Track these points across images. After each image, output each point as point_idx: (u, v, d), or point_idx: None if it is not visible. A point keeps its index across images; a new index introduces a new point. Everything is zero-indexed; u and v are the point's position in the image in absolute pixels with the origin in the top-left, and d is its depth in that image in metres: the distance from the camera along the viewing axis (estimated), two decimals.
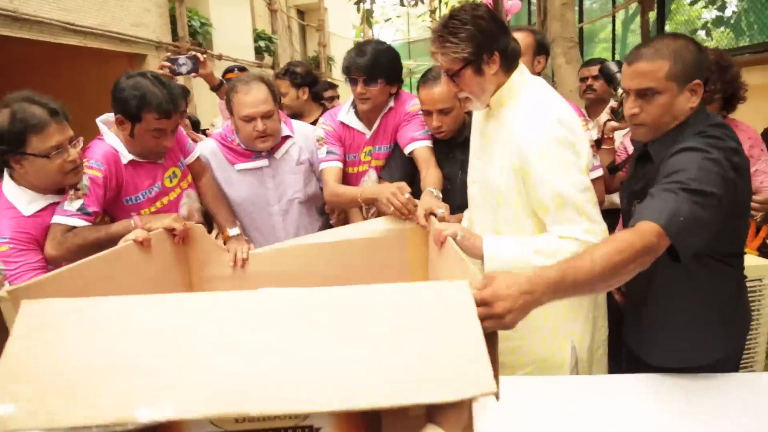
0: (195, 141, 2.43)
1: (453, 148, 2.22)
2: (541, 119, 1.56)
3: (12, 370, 0.81)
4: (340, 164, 2.30)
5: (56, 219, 1.76)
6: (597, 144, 2.36)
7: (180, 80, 2.03)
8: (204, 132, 4.10)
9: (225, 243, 2.09)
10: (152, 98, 1.83)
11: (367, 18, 8.95)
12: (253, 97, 2.09)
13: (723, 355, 1.52)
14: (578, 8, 8.14)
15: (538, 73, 2.31)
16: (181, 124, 2.22)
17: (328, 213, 2.53)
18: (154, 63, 6.26)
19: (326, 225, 2.49)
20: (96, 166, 1.85)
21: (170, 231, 1.83)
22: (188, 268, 1.95)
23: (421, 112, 2.19)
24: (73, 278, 1.37)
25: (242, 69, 3.57)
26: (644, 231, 1.20)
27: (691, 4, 6.17)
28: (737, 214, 1.42)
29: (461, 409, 0.87)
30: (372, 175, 2.39)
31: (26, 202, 1.75)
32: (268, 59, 10.79)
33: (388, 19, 18.58)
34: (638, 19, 6.12)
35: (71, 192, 1.79)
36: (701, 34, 5.69)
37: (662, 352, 1.54)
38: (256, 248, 2.07)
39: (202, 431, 0.87)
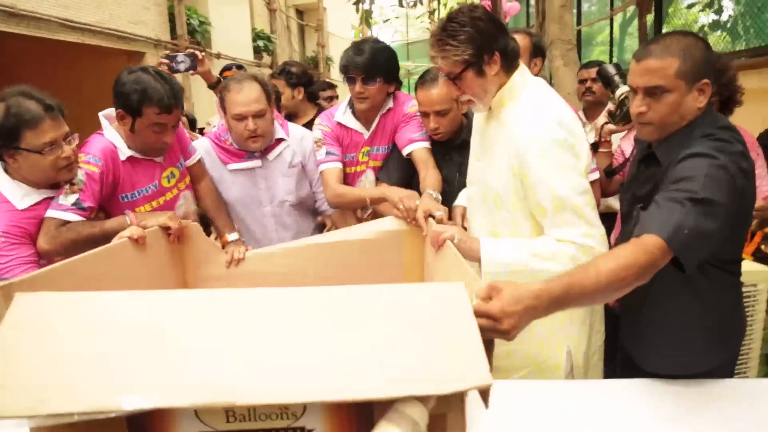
0: (191, 139, 2.42)
1: (450, 150, 2.21)
2: (540, 121, 1.55)
3: None
4: (340, 165, 2.29)
5: (50, 213, 1.76)
6: (594, 147, 2.36)
7: (178, 78, 2.03)
8: (201, 131, 4.10)
9: (223, 248, 2.09)
10: (153, 93, 1.83)
11: (366, 19, 8.94)
12: (245, 96, 2.08)
13: (719, 362, 1.51)
14: (576, 11, 8.16)
15: (535, 76, 2.31)
16: None
17: (323, 223, 2.49)
18: (153, 61, 6.25)
19: (320, 226, 2.48)
20: (93, 161, 1.84)
21: (165, 229, 1.83)
22: (183, 266, 1.95)
23: (419, 114, 2.19)
24: (68, 274, 1.37)
25: (240, 67, 3.57)
26: (648, 246, 1.20)
27: (689, 7, 6.20)
28: (742, 221, 1.40)
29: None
30: (369, 175, 2.38)
31: (20, 196, 1.74)
32: (266, 59, 10.79)
33: (386, 20, 18.59)
34: (636, 22, 6.13)
35: (67, 186, 1.79)
36: None
37: (659, 357, 1.53)
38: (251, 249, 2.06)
39: (193, 430, 0.86)
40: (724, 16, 5.57)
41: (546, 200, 1.53)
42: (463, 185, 2.00)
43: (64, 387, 0.77)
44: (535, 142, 1.53)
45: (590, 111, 3.12)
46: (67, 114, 1.79)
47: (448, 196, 2.09)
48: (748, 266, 2.16)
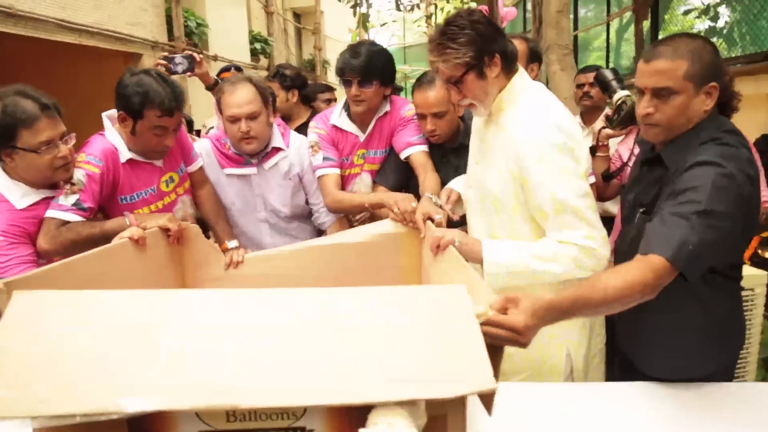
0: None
1: (447, 153, 2.22)
2: (539, 125, 1.55)
3: None
4: (338, 171, 2.29)
5: (50, 213, 1.75)
6: (591, 151, 2.36)
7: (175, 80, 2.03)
8: (197, 132, 4.09)
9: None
10: (155, 95, 1.82)
11: (363, 22, 8.94)
12: (238, 98, 2.07)
13: (718, 366, 1.51)
14: (573, 16, 8.21)
15: None
16: None
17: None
18: (150, 62, 6.23)
19: (316, 232, 2.47)
20: (94, 161, 1.83)
21: (165, 231, 1.82)
22: (182, 268, 1.95)
23: (416, 117, 2.19)
24: (67, 273, 1.37)
25: (238, 68, 3.57)
26: (655, 265, 1.22)
27: (685, 14, 6.24)
28: (748, 228, 1.39)
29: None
30: (365, 178, 2.37)
31: (19, 195, 1.74)
32: (263, 61, 10.78)
33: (384, 24, 18.61)
34: (632, 28, 6.17)
35: (67, 187, 1.78)
36: None
37: (658, 360, 1.53)
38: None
39: (193, 429, 0.86)
40: (720, 23, 5.61)
41: (547, 204, 1.53)
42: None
43: (65, 387, 0.77)
44: (535, 146, 1.53)
45: (587, 116, 3.12)
46: (65, 115, 1.78)
47: None
48: (746, 271, 2.17)
